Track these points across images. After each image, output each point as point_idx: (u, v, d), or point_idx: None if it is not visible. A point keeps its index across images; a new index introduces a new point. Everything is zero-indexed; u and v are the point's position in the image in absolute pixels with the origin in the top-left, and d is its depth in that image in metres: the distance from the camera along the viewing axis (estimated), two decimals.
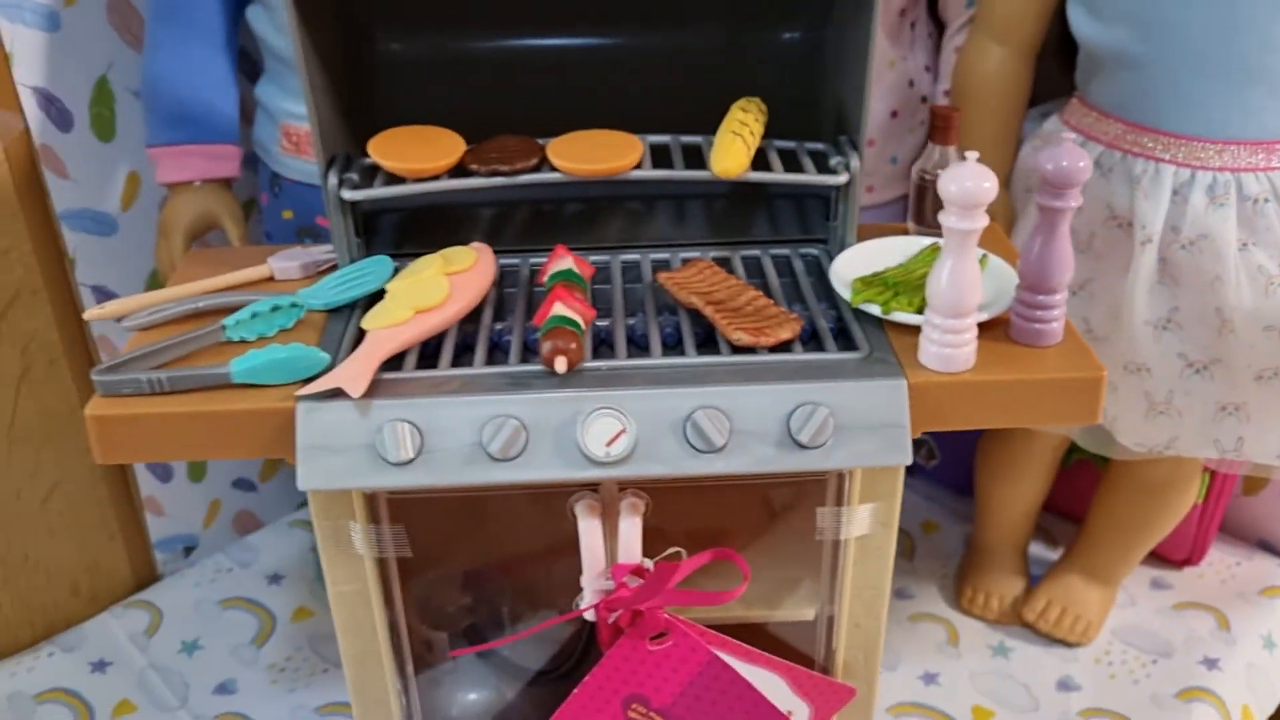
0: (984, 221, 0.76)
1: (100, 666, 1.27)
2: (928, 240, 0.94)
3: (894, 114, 1.19)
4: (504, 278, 0.96)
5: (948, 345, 0.79)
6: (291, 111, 1.09)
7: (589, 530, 0.82)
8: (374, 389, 0.78)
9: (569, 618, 0.84)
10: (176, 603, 1.35)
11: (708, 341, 0.86)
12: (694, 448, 0.78)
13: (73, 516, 1.29)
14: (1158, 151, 1.00)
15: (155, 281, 1.25)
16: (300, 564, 1.40)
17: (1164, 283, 1.01)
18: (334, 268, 0.94)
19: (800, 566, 0.92)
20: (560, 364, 0.78)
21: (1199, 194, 0.98)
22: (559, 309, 0.82)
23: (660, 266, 0.96)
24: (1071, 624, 1.28)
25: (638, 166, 0.88)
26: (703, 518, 0.92)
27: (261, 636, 1.31)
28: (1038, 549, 1.41)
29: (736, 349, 0.83)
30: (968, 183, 0.75)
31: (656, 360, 0.82)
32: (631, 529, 0.82)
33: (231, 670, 1.27)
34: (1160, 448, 1.08)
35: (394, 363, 0.82)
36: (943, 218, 0.76)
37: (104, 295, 1.22)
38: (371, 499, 0.84)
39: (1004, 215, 1.12)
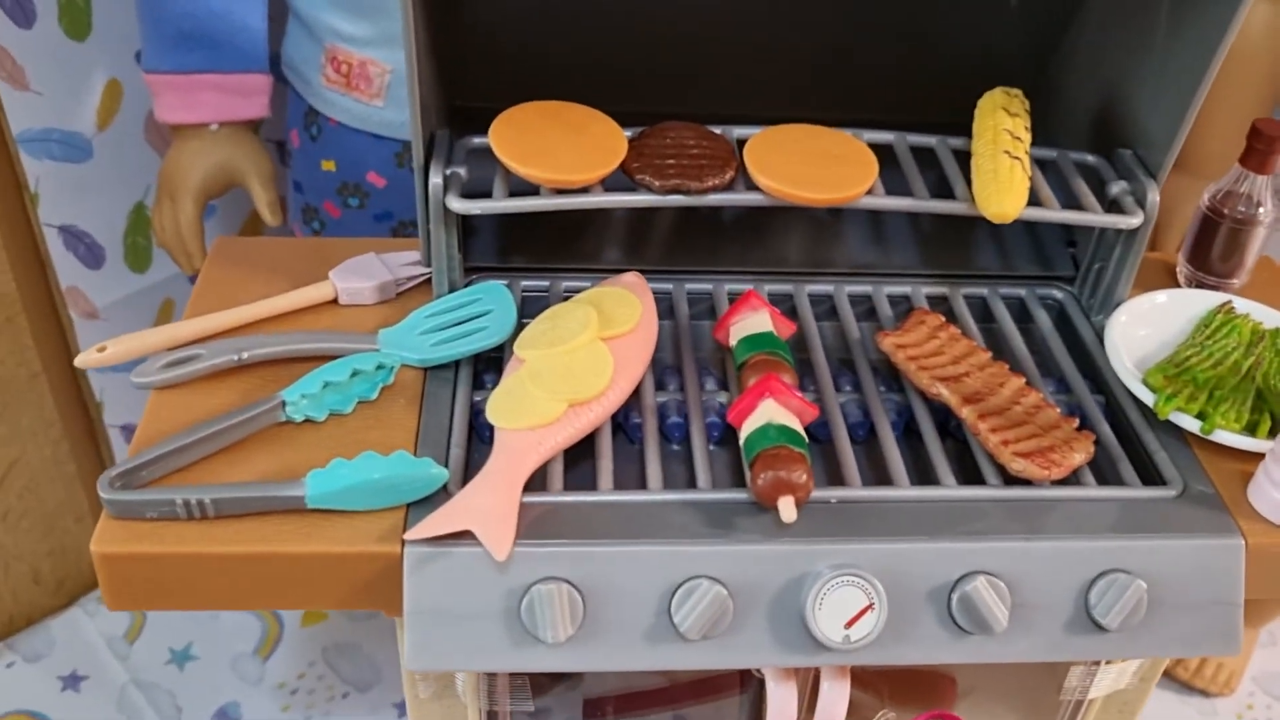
0: None
1: (72, 682, 1.05)
2: (1214, 297, 0.71)
3: None
4: None
5: None
6: (342, 32, 0.80)
7: (782, 699, 0.60)
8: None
9: None
10: None
11: (944, 433, 0.64)
12: (961, 628, 0.56)
13: (34, 496, 1.05)
14: None
15: (133, 234, 0.97)
16: None
17: None
18: (422, 284, 0.69)
19: (1023, 718, 0.72)
20: (788, 510, 0.55)
21: None
22: (773, 413, 0.58)
23: (859, 303, 0.72)
24: (1214, 673, 1.12)
25: (871, 191, 0.63)
26: (903, 671, 0.70)
27: (266, 645, 1.10)
28: None
29: (1008, 476, 0.60)
30: None
31: (905, 491, 0.59)
32: (836, 698, 0.61)
33: (232, 689, 1.06)
34: None
35: (534, 477, 0.58)
36: None
37: (74, 238, 0.94)
38: None
39: None
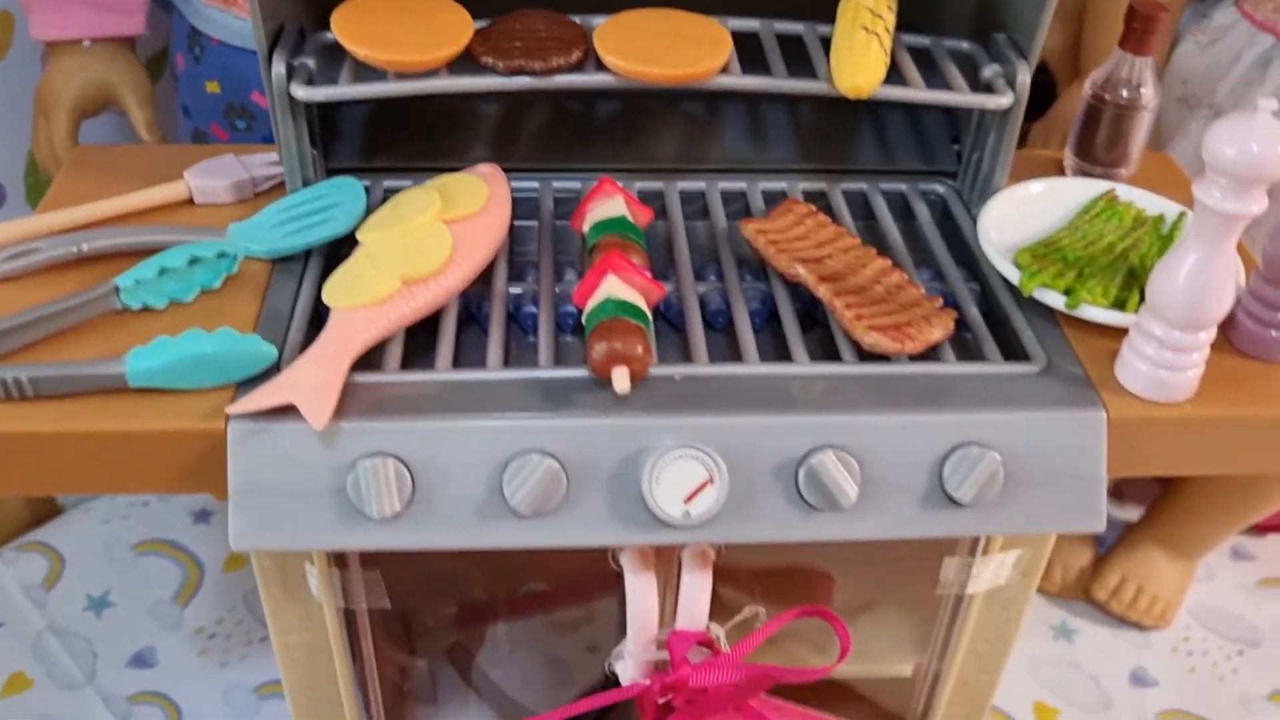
0: (1262, 205, 0.51)
1: None
2: (1096, 185, 0.69)
3: None
4: (517, 205, 0.69)
5: (1167, 366, 0.56)
6: None
7: (640, 590, 0.59)
8: (341, 401, 0.53)
9: (617, 698, 0.61)
10: (81, 545, 1.11)
11: (811, 324, 0.62)
12: (807, 504, 0.54)
13: None
14: None
15: (34, 173, 0.95)
16: None
17: None
18: (279, 186, 0.67)
19: (903, 617, 0.70)
20: (621, 380, 0.53)
21: None
22: (614, 288, 0.56)
23: (734, 200, 0.70)
24: (1148, 605, 1.10)
25: (725, 70, 0.61)
26: (776, 570, 0.69)
27: (186, 591, 1.08)
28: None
29: (865, 353, 0.58)
30: (1256, 147, 0.49)
31: (753, 368, 0.57)
32: (698, 587, 0.59)
33: (149, 635, 1.04)
34: None
35: (370, 357, 0.56)
36: (1200, 190, 0.51)
37: None
38: None
39: None
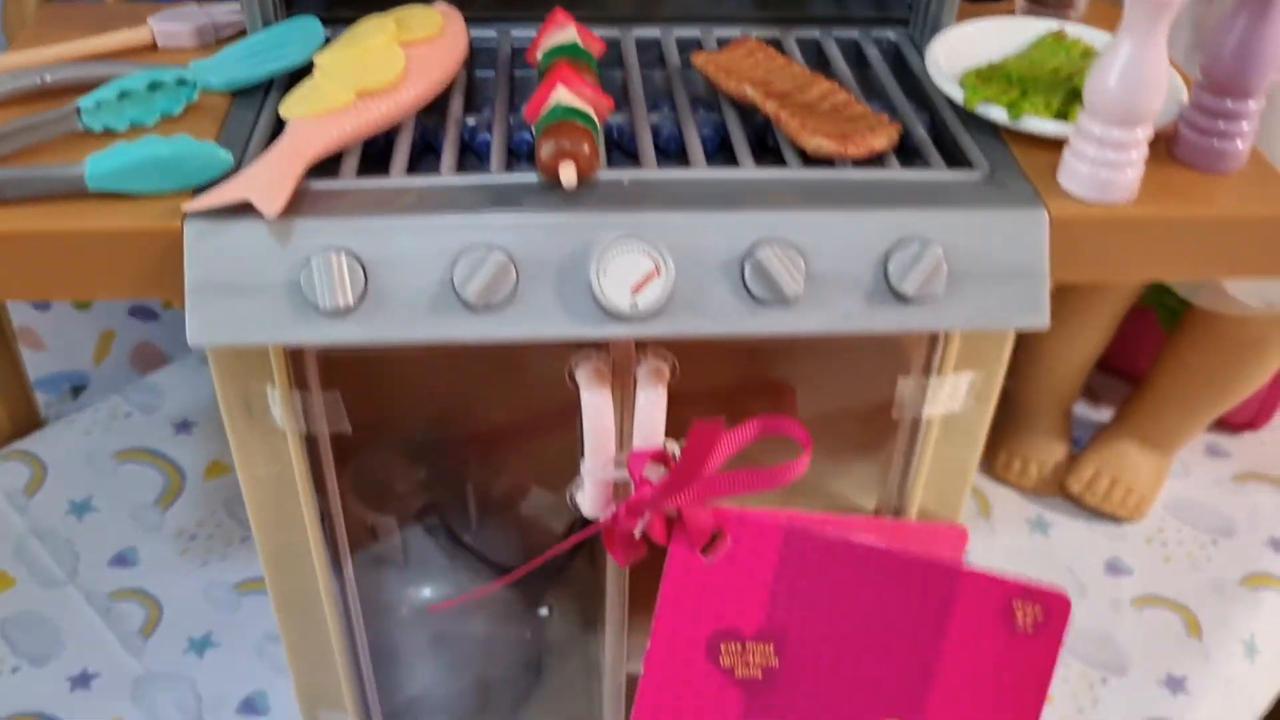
0: None
1: None
2: (1044, 23, 0.70)
3: None
4: (476, 56, 0.70)
5: (1107, 165, 0.57)
6: None
7: (595, 405, 0.60)
8: (298, 204, 0.54)
9: (584, 536, 0.62)
10: (63, 454, 1.12)
11: (765, 150, 0.63)
12: (754, 298, 0.56)
13: None
14: None
15: None
16: (215, 409, 1.16)
17: None
18: (242, 34, 0.68)
19: (861, 448, 0.72)
20: (568, 173, 0.54)
21: None
22: (562, 95, 0.57)
23: (688, 47, 0.71)
24: (1123, 497, 1.11)
25: None
26: (735, 385, 0.70)
27: (167, 496, 1.09)
28: (1078, 408, 1.23)
29: (810, 160, 0.60)
30: None
31: (700, 172, 0.58)
32: (653, 403, 0.60)
33: (130, 537, 1.05)
34: None
35: (328, 167, 0.57)
36: None
37: None
38: (296, 357, 0.61)
39: None
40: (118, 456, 1.12)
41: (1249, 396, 1.13)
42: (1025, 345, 1.13)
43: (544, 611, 0.92)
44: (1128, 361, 1.19)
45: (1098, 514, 1.12)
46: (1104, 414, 1.20)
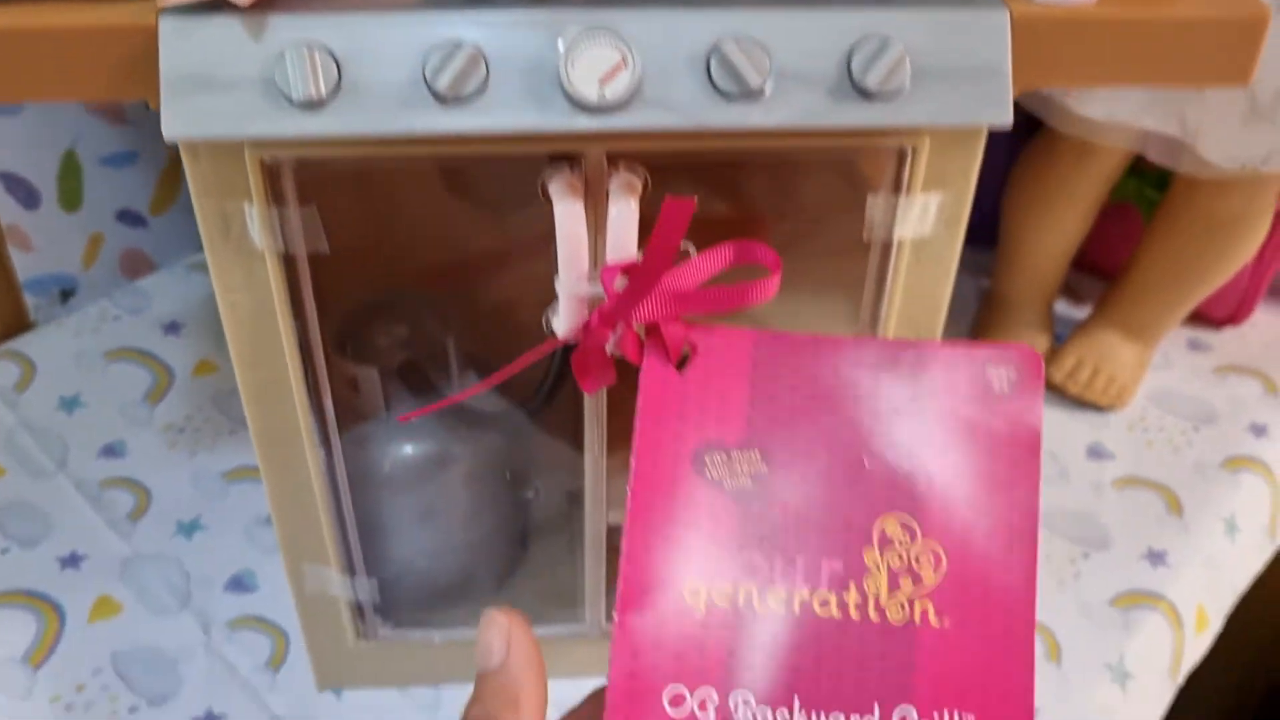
0: None
1: None
2: None
3: None
4: None
5: None
6: None
7: (568, 215, 0.61)
8: (272, 2, 0.55)
9: (549, 348, 0.63)
10: (53, 354, 1.13)
11: None
12: (720, 91, 0.56)
13: None
14: None
15: (68, 176, 0.98)
16: (203, 311, 1.18)
17: None
18: None
19: (834, 277, 0.72)
20: None
21: None
22: None
23: None
24: (1105, 386, 1.12)
25: None
26: (709, 210, 0.71)
27: (156, 393, 1.10)
28: (1061, 308, 1.24)
29: None
30: None
31: None
32: (625, 216, 0.61)
33: (119, 430, 1.06)
34: (1255, 163, 0.89)
35: None
36: None
37: None
38: (273, 172, 0.61)
39: None
40: (107, 356, 1.13)
41: (1229, 288, 1.14)
42: (1006, 235, 1.14)
43: (530, 494, 0.93)
44: (1110, 260, 1.20)
45: (1080, 403, 1.13)
46: (1086, 312, 1.21)
